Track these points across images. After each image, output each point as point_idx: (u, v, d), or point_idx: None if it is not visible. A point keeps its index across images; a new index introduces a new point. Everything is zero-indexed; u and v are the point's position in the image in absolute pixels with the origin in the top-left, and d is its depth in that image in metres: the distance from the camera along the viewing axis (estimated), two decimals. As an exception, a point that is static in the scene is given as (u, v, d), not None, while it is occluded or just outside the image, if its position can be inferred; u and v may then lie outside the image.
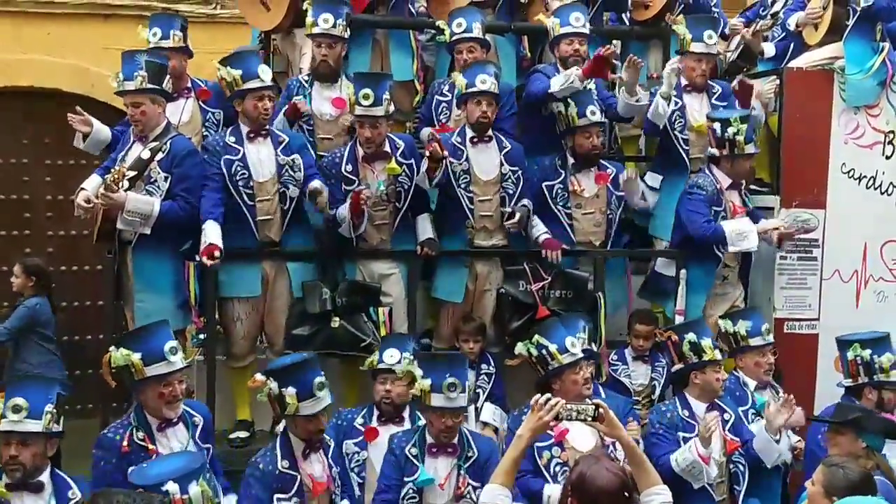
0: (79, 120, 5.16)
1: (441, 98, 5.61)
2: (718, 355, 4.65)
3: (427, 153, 4.96)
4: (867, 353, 4.69)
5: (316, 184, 4.87)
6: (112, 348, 3.95)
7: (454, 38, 5.50)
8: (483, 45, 5.53)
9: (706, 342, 4.61)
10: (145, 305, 4.80)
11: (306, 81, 5.40)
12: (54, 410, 3.59)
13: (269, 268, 5.01)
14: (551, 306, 5.13)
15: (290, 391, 3.80)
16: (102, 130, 5.21)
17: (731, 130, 5.22)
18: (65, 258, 7.64)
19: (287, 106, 5.26)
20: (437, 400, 3.97)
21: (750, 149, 5.29)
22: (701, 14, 5.84)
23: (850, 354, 4.74)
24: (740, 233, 5.18)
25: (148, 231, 4.73)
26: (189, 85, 5.34)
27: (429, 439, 4.04)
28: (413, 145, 5.20)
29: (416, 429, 4.16)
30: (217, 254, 4.68)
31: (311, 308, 4.93)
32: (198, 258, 4.75)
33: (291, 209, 4.99)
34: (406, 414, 4.42)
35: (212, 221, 4.79)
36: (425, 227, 5.15)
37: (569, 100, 5.33)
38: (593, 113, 5.32)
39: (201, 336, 4.98)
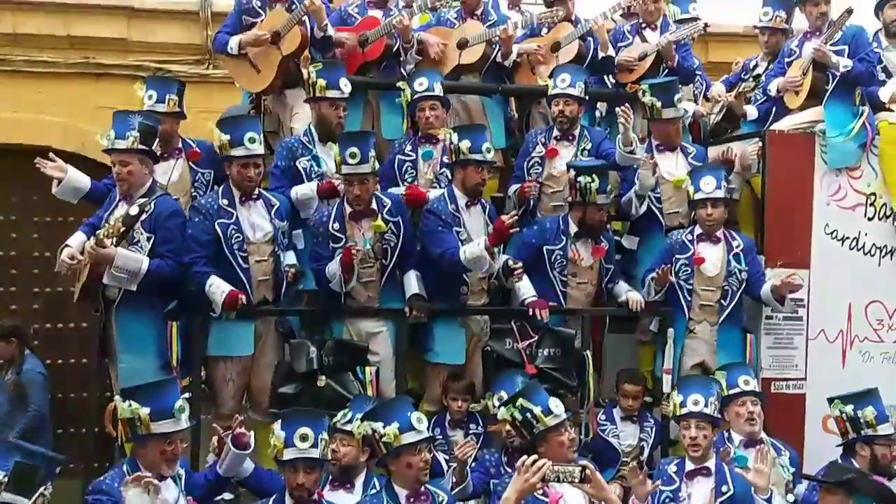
0: (51, 166, 5.18)
1: (403, 157, 5.60)
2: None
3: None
4: (850, 408, 4.70)
5: (291, 259, 5.01)
6: (118, 398, 3.94)
7: (416, 96, 5.56)
8: (444, 103, 5.60)
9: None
10: (128, 366, 4.77)
11: (307, 142, 5.44)
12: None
13: (261, 326, 5.02)
14: (539, 364, 5.13)
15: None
16: (79, 178, 5.22)
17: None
18: (51, 315, 7.57)
19: (323, 184, 5.29)
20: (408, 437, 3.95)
21: (698, 195, 5.38)
22: (666, 80, 5.92)
23: (834, 412, 4.75)
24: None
25: (134, 288, 4.72)
26: (180, 146, 5.37)
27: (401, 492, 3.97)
28: (400, 203, 5.24)
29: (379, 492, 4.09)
30: (243, 297, 4.75)
31: (298, 367, 4.91)
32: (214, 313, 4.78)
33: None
34: (359, 481, 4.35)
35: (215, 276, 4.81)
36: (412, 284, 5.15)
37: (593, 176, 5.31)
38: (611, 192, 5.42)
39: (184, 396, 4.93)
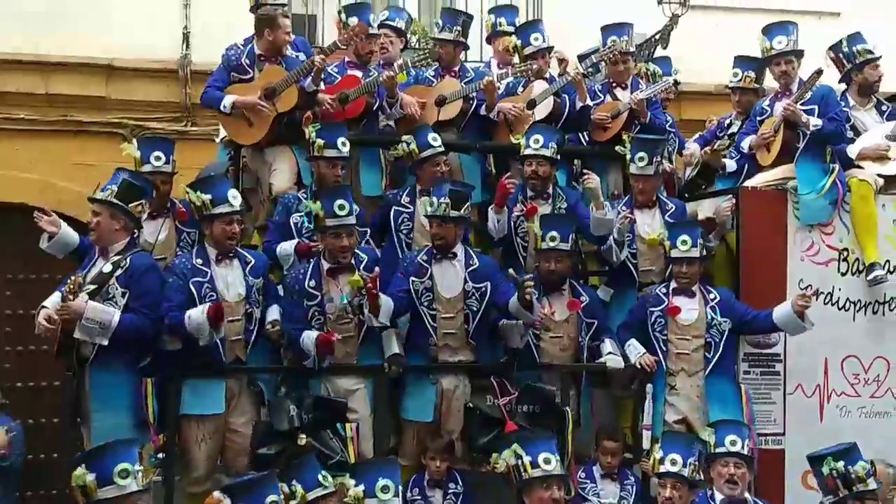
0: (46, 220, 5.18)
1: (400, 209, 5.65)
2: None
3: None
4: (840, 464, 4.63)
5: (274, 315, 4.99)
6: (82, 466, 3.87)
7: (430, 151, 5.61)
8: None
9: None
10: (101, 424, 4.70)
11: (305, 198, 5.47)
12: None
13: (234, 385, 4.97)
14: (519, 421, 5.10)
15: None
16: (70, 234, 5.22)
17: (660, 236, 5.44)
18: (23, 374, 7.48)
19: (298, 245, 5.33)
20: None
21: (674, 252, 5.46)
22: (645, 136, 6.03)
23: (824, 469, 4.66)
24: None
25: (106, 342, 4.67)
26: (168, 205, 5.40)
27: None
28: (377, 258, 5.26)
29: None
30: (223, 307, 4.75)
31: (279, 425, 4.85)
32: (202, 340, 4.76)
33: (256, 330, 5.02)
34: None
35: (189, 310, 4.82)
36: (391, 344, 5.14)
37: (535, 219, 5.44)
38: (553, 239, 5.40)
39: (159, 455, 4.88)
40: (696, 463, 4.62)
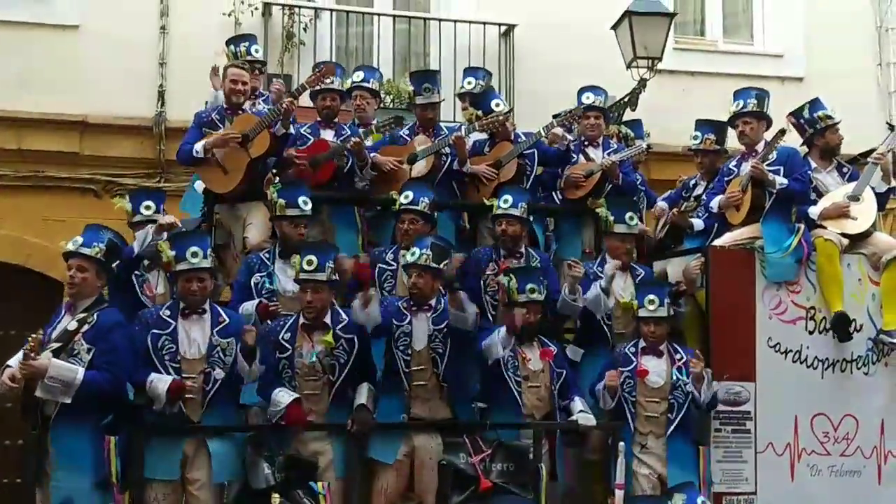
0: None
1: (385, 266, 5.69)
2: None
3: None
4: None
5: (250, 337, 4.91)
6: None
7: (401, 206, 5.68)
8: (427, 220, 5.71)
9: None
10: (60, 484, 4.62)
11: (267, 258, 5.49)
12: None
13: (190, 449, 4.88)
14: (494, 479, 5.07)
15: None
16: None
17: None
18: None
19: (259, 305, 5.33)
20: None
21: (641, 312, 5.53)
22: (623, 196, 6.15)
23: None
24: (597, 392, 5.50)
25: (69, 400, 4.60)
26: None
27: None
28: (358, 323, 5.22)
29: None
30: (189, 384, 4.77)
31: (256, 484, 4.80)
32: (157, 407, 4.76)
33: (213, 391, 4.91)
34: None
35: (154, 373, 4.80)
36: (361, 395, 5.10)
37: (511, 275, 5.49)
38: (532, 291, 5.44)
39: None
40: None
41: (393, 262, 5.67)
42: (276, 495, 4.74)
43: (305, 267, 5.06)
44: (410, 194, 5.71)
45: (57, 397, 4.60)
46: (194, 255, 4.96)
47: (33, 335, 4.64)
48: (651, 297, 5.54)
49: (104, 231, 5.01)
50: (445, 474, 5.12)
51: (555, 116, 6.59)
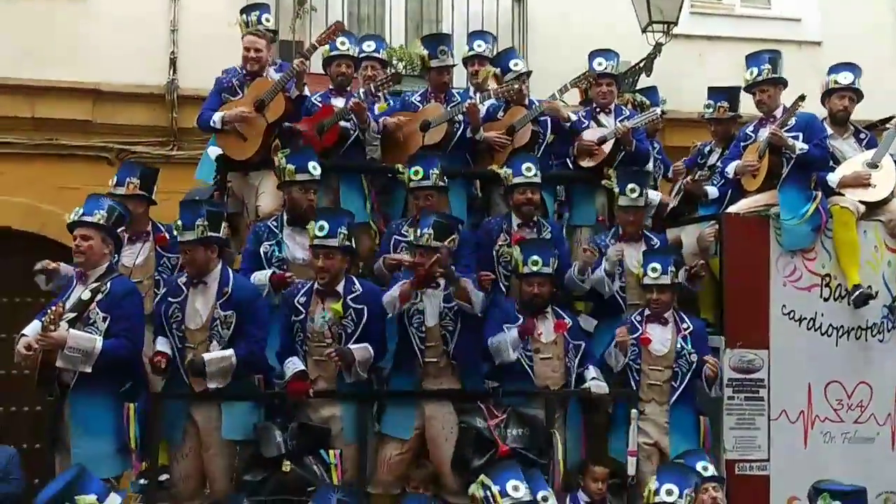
0: (47, 268, 5.20)
1: (400, 238, 5.67)
2: None
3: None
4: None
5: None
6: None
7: (412, 184, 5.64)
8: (441, 191, 5.68)
9: None
10: (81, 450, 4.67)
11: (275, 226, 5.48)
12: None
13: (199, 415, 4.93)
14: (510, 444, 5.09)
15: None
16: (68, 270, 5.23)
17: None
18: (4, 399, 7.41)
19: (273, 276, 5.32)
20: None
21: (646, 279, 5.52)
22: (630, 168, 6.09)
23: (820, 503, 4.66)
24: (609, 355, 5.50)
25: (89, 369, 4.65)
26: (148, 229, 5.44)
27: None
28: (374, 293, 5.21)
29: None
30: (163, 365, 4.85)
31: (267, 451, 4.84)
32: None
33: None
34: None
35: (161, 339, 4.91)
36: (359, 347, 5.08)
37: (517, 246, 5.46)
38: (535, 263, 5.41)
39: (141, 482, 4.84)
40: (693, 494, 4.60)
41: (408, 234, 5.64)
42: (287, 462, 4.79)
43: (317, 233, 5.07)
44: (420, 170, 5.63)
45: (77, 367, 4.66)
46: (185, 229, 4.95)
47: (52, 307, 4.68)
48: (654, 264, 5.52)
49: (104, 199, 5.04)
50: (466, 436, 5.14)
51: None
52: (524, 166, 5.75)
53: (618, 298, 5.80)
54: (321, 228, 5.07)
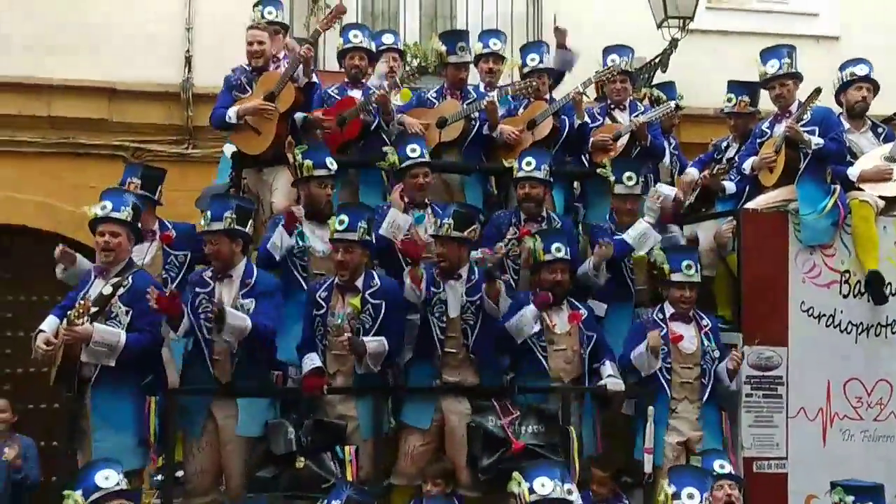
0: (63, 252, 5.23)
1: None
2: None
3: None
4: (850, 499, 4.50)
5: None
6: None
7: (409, 162, 5.60)
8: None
9: None
10: (103, 444, 4.69)
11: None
12: None
13: (217, 410, 4.93)
14: (527, 441, 5.07)
15: None
16: (84, 263, 5.26)
17: (657, 260, 5.46)
18: (22, 397, 7.43)
19: (285, 216, 5.33)
20: None
21: (677, 276, 5.43)
22: (626, 158, 6.08)
23: (834, 497, 4.58)
24: (636, 357, 5.35)
25: (113, 363, 4.67)
26: (154, 228, 5.45)
27: None
28: (393, 288, 5.20)
29: None
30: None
31: (277, 449, 4.83)
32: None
33: (241, 352, 4.93)
34: None
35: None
36: (373, 339, 5.05)
37: (536, 236, 5.45)
38: (559, 250, 5.41)
39: (159, 477, 4.85)
40: (710, 498, 4.57)
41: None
42: (301, 458, 4.78)
43: (337, 227, 5.08)
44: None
45: (101, 360, 4.68)
46: (212, 219, 4.97)
47: (81, 300, 4.69)
48: (688, 261, 5.48)
49: (127, 194, 5.05)
50: (474, 435, 5.12)
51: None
52: (524, 161, 5.75)
53: (628, 282, 5.78)
54: (341, 222, 5.07)
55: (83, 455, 4.79)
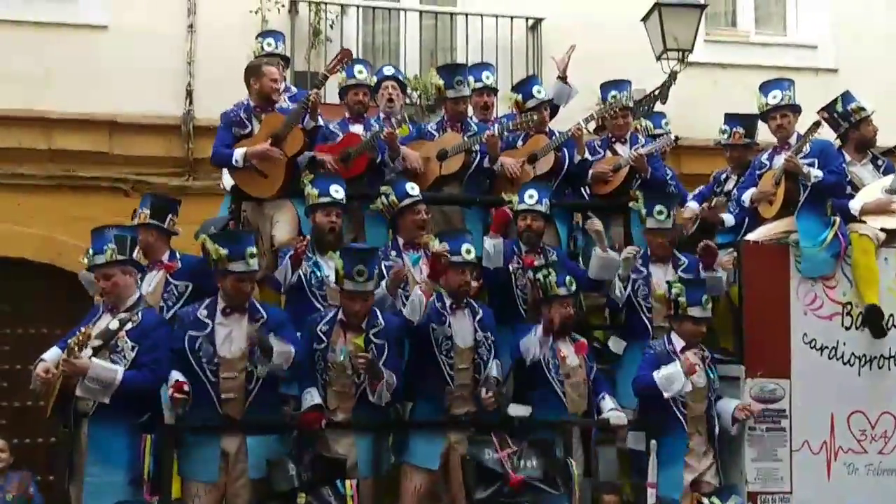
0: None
1: (389, 264, 5.52)
2: None
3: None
4: None
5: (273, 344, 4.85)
6: None
7: (408, 200, 5.58)
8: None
9: None
10: (95, 480, 4.64)
11: (308, 249, 5.46)
12: None
13: (230, 446, 4.87)
14: (524, 475, 5.01)
15: None
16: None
17: (674, 292, 5.40)
18: (19, 430, 7.39)
19: (292, 256, 5.34)
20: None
21: (695, 312, 5.38)
22: (655, 190, 6.08)
23: None
24: (668, 377, 5.20)
25: (107, 400, 4.63)
26: (163, 258, 5.44)
27: None
28: (397, 327, 5.17)
29: None
30: (186, 388, 4.67)
31: (278, 486, 4.77)
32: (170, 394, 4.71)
33: (256, 389, 4.90)
34: None
35: (175, 371, 4.78)
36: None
37: (550, 269, 5.44)
38: (571, 283, 5.41)
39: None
40: None
41: (397, 259, 5.57)
42: (303, 494, 4.73)
43: (356, 277, 4.99)
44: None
45: (96, 397, 4.64)
46: (252, 255, 4.92)
47: (82, 329, 4.65)
48: (704, 296, 5.43)
49: (108, 230, 4.97)
50: (468, 468, 5.07)
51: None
52: (527, 193, 5.76)
53: (644, 319, 5.75)
54: (360, 273, 4.98)
55: (75, 490, 4.74)
